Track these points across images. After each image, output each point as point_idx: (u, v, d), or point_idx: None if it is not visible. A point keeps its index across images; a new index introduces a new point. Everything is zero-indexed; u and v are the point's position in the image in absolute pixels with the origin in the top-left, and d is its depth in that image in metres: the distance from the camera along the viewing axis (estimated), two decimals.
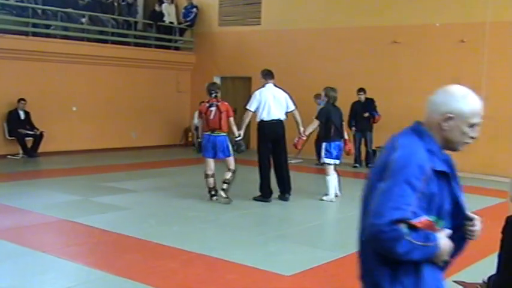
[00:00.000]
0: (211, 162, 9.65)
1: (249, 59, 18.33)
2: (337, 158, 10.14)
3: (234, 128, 9.71)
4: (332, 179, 10.12)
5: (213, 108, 9.47)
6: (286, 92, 10.20)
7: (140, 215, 8.79)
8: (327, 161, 10.03)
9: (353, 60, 16.27)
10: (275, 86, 10.16)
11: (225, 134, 9.62)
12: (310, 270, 6.24)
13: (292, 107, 10.11)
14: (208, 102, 9.59)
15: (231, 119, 9.62)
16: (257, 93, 10.00)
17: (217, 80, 19.27)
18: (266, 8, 18.08)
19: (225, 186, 9.65)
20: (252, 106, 9.88)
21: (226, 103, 9.72)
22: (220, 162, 9.84)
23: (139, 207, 9.35)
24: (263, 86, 10.07)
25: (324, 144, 10.05)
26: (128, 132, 17.87)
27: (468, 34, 14.40)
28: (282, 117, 9.94)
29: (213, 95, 9.59)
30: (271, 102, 9.83)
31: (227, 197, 9.60)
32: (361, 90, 14.78)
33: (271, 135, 9.84)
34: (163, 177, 12.64)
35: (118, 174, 12.71)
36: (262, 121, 9.85)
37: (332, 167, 10.06)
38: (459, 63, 14.57)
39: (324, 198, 10.12)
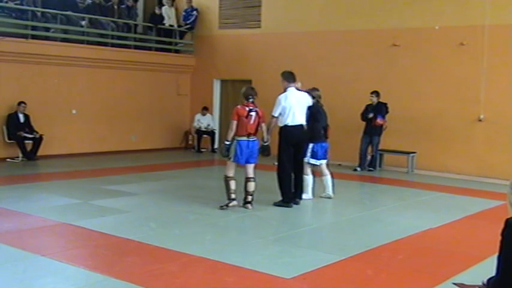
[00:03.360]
0: (234, 165, 9.52)
1: (249, 62, 18.36)
2: (322, 158, 10.33)
3: (265, 134, 9.65)
4: (310, 178, 10.34)
5: (253, 114, 9.38)
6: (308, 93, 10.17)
7: (140, 218, 8.78)
8: (312, 161, 10.24)
9: (353, 64, 16.28)
10: (296, 89, 9.94)
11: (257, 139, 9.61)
12: (310, 273, 6.23)
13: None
14: (246, 106, 9.43)
15: (263, 125, 9.62)
16: (281, 98, 9.70)
17: (217, 83, 19.32)
18: (266, 11, 18.09)
19: (250, 198, 9.58)
20: (277, 112, 9.69)
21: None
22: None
23: (139, 211, 9.35)
24: (285, 90, 9.81)
25: (310, 145, 10.14)
26: (127, 135, 17.86)
27: (467, 37, 14.42)
28: (304, 121, 9.84)
29: (250, 100, 9.43)
30: (295, 107, 9.66)
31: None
32: (374, 93, 14.75)
33: (294, 140, 9.71)
34: (163, 180, 12.63)
35: (118, 178, 12.71)
36: (286, 126, 9.66)
37: (310, 167, 10.33)
38: (458, 66, 14.59)
39: (304, 196, 10.22)
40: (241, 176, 9.59)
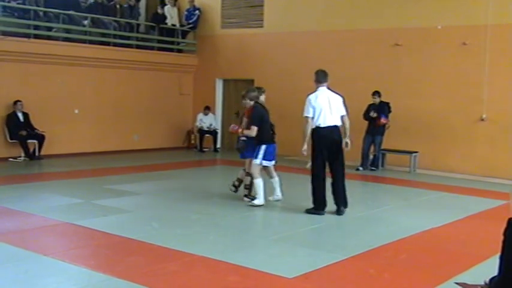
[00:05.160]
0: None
1: (251, 61, 18.36)
2: (273, 159, 9.99)
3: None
4: (261, 181, 9.73)
5: None
6: (341, 96, 9.55)
7: (142, 218, 8.79)
8: (266, 163, 9.80)
9: (355, 63, 16.28)
10: (329, 89, 9.43)
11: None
12: (312, 273, 6.23)
13: (343, 112, 9.38)
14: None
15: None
16: (312, 98, 9.25)
17: (219, 83, 19.33)
18: (268, 11, 18.10)
19: (246, 191, 10.23)
20: (309, 112, 9.20)
21: None
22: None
23: (141, 210, 9.35)
24: (316, 90, 9.37)
25: (263, 147, 9.66)
26: (130, 135, 17.87)
27: (470, 37, 14.42)
28: (338, 123, 9.26)
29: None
30: (326, 108, 9.15)
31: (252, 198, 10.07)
32: (376, 93, 14.73)
33: (327, 143, 9.19)
34: (165, 180, 12.64)
35: (120, 177, 12.72)
36: (318, 128, 9.17)
37: (261, 169, 9.85)
38: (461, 65, 14.58)
39: (255, 202, 9.74)
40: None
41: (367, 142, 14.85)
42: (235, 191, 10.46)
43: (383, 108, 14.68)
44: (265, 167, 9.94)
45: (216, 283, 5.88)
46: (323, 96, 9.23)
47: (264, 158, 9.70)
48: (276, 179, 10.21)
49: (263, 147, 9.66)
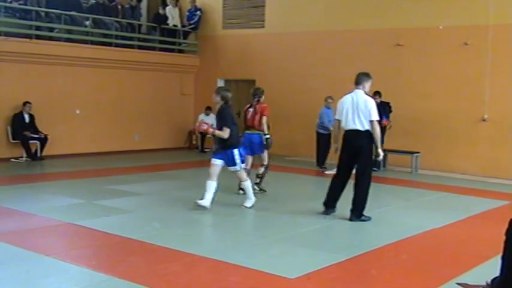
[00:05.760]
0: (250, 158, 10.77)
1: (252, 61, 18.37)
2: (244, 161, 9.70)
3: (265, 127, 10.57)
4: (249, 182, 9.63)
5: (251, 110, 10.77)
6: (374, 100, 9.21)
7: (143, 218, 8.79)
8: (243, 166, 9.58)
9: (357, 63, 16.20)
10: (365, 92, 9.06)
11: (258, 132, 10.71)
12: (313, 273, 6.22)
13: (371, 117, 8.80)
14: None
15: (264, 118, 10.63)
16: (340, 100, 9.21)
17: (221, 83, 19.31)
18: (270, 11, 18.10)
19: (257, 180, 10.80)
20: (337, 114, 9.14)
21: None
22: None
23: (143, 210, 9.36)
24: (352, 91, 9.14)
25: (237, 150, 9.36)
26: (131, 135, 17.88)
27: (471, 37, 14.41)
28: (361, 127, 8.79)
29: (256, 99, 10.79)
30: (349, 111, 8.87)
31: (260, 189, 10.75)
32: (376, 93, 14.66)
33: (347, 147, 8.94)
34: (166, 180, 12.64)
35: (121, 177, 12.72)
36: (344, 130, 9.04)
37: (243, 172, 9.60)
38: (462, 65, 14.58)
39: (247, 204, 9.53)
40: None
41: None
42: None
43: (384, 108, 14.65)
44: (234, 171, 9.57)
45: (217, 283, 5.88)
46: (349, 99, 9.00)
47: (241, 161, 9.48)
48: (248, 182, 9.71)
49: (236, 151, 9.37)
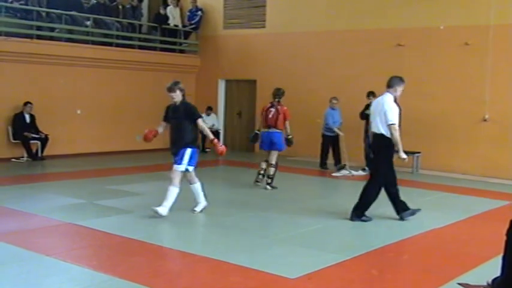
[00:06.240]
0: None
1: (253, 62, 18.37)
2: (195, 163, 9.01)
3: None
4: (175, 190, 8.82)
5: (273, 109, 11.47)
6: (398, 104, 9.01)
7: (144, 218, 8.78)
8: (190, 168, 8.91)
9: (357, 63, 16.27)
10: (395, 96, 8.95)
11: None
12: (314, 273, 6.22)
13: (388, 120, 8.71)
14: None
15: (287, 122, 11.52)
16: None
17: (221, 83, 19.34)
18: (271, 11, 18.10)
19: (269, 180, 11.51)
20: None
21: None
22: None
23: (144, 210, 9.34)
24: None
25: (190, 151, 8.80)
26: (132, 135, 17.86)
27: (472, 37, 14.40)
28: (379, 130, 8.76)
29: (276, 99, 11.56)
30: (375, 113, 8.89)
31: (272, 187, 11.44)
32: (370, 93, 14.62)
33: (371, 147, 9.05)
34: (167, 180, 12.59)
35: (122, 177, 12.73)
36: None
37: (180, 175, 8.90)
38: (463, 66, 14.57)
39: (160, 211, 8.58)
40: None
41: (367, 142, 14.80)
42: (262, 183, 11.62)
43: None
44: (186, 172, 8.97)
45: (218, 284, 5.88)
46: (375, 102, 9.05)
47: (190, 163, 8.86)
48: (198, 184, 9.17)
49: (189, 151, 8.79)
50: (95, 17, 17.18)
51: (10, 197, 10.04)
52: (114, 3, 18.19)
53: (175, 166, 8.84)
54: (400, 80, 9.01)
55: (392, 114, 8.72)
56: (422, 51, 15.23)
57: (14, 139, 14.85)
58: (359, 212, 8.93)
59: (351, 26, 16.42)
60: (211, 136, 9.11)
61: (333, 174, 13.80)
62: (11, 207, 9.17)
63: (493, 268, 5.65)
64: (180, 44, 19.81)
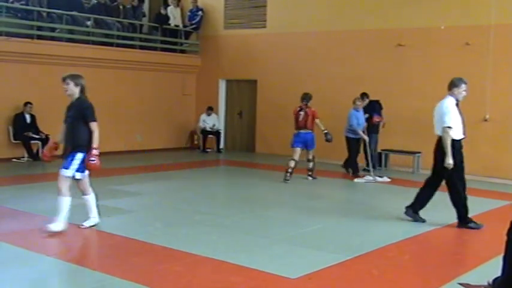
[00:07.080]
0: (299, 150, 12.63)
1: (254, 62, 18.37)
2: (85, 170, 7.86)
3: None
4: (67, 200, 7.57)
5: (302, 112, 12.63)
6: (457, 107, 8.67)
7: (145, 218, 8.80)
8: (78, 176, 7.77)
9: (358, 63, 16.27)
10: (456, 99, 8.67)
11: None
12: (315, 273, 6.22)
13: (443, 123, 8.50)
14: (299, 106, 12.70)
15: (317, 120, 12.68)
16: None
17: (222, 83, 19.34)
18: (271, 11, 18.10)
19: (309, 173, 12.98)
20: None
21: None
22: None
23: (145, 210, 9.36)
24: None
25: (81, 155, 7.69)
26: (133, 135, 17.88)
27: (473, 37, 14.40)
28: (438, 132, 8.67)
29: (304, 103, 12.69)
30: (435, 117, 8.78)
31: (314, 178, 12.99)
32: (363, 95, 14.47)
33: (435, 153, 8.83)
34: (168, 180, 12.64)
35: (123, 178, 12.73)
36: None
37: (71, 182, 7.70)
38: (464, 65, 14.53)
39: (52, 227, 7.45)
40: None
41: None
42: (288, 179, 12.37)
43: (373, 107, 14.62)
44: (77, 180, 7.84)
45: (219, 283, 5.88)
46: (437, 106, 8.83)
47: (77, 169, 7.68)
48: (92, 196, 8.04)
49: (80, 155, 7.65)
50: (96, 17, 17.18)
51: (10, 197, 10.05)
52: (115, 3, 18.20)
53: (61, 170, 7.57)
54: (459, 80, 8.67)
55: (449, 117, 8.45)
56: (423, 51, 15.23)
57: (15, 139, 14.86)
58: (463, 223, 8.72)
59: (351, 26, 16.42)
60: (95, 145, 7.67)
61: (355, 180, 13.33)
62: (11, 207, 9.17)
63: (494, 268, 5.65)
64: (181, 44, 19.81)
